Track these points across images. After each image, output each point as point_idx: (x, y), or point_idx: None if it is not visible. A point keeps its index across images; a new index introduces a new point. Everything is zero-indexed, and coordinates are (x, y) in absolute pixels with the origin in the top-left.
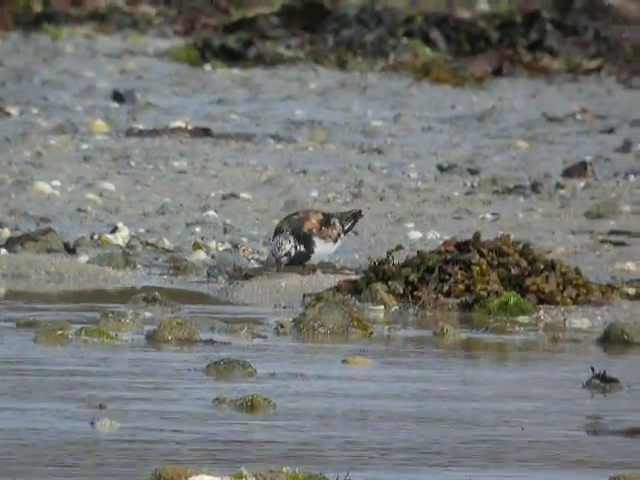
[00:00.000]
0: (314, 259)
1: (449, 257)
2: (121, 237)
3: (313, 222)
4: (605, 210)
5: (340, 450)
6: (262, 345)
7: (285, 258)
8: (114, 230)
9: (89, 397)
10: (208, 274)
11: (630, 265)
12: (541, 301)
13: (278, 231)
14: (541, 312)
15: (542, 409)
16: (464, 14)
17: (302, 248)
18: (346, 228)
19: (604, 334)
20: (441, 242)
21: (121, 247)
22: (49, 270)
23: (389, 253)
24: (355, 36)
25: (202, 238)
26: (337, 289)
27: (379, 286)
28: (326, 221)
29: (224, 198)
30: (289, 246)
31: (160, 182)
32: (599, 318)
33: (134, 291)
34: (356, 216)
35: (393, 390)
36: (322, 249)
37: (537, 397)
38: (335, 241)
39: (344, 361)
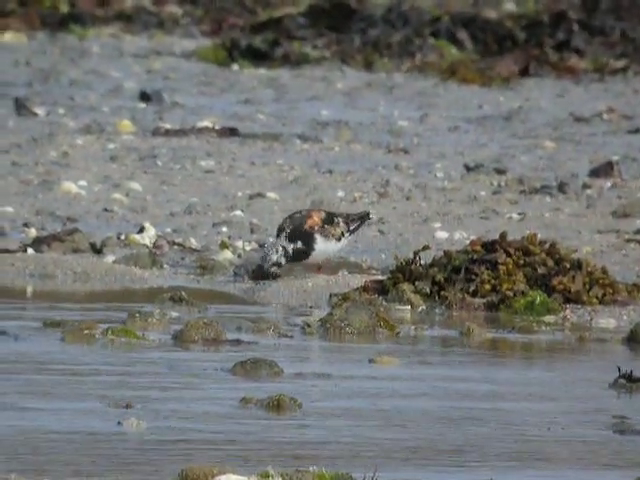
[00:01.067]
0: (315, 257)
1: (476, 257)
2: (148, 237)
3: (315, 220)
4: (631, 210)
5: (367, 450)
6: (289, 345)
7: (274, 269)
8: (141, 230)
9: (116, 397)
10: (235, 274)
11: None
12: (567, 300)
13: (278, 231)
14: (567, 312)
15: (568, 409)
16: (491, 14)
17: (301, 245)
18: (352, 228)
19: (630, 334)
20: (468, 242)
21: (148, 247)
22: (76, 270)
23: (416, 253)
24: (381, 36)
25: (229, 238)
26: (364, 289)
27: (406, 286)
28: (329, 219)
29: (251, 198)
30: (276, 257)
31: (187, 182)
32: (625, 318)
33: (161, 291)
34: (364, 217)
35: (420, 390)
36: (323, 247)
37: (563, 397)
38: (338, 240)
39: (371, 361)
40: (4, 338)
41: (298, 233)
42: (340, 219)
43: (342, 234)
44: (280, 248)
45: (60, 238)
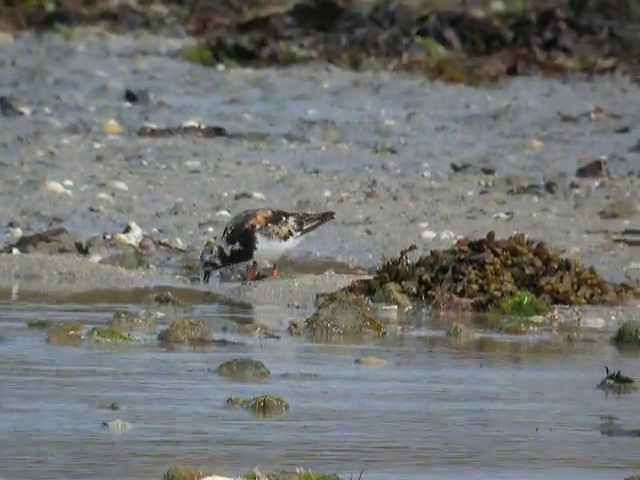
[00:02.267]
0: (258, 256)
1: (463, 257)
2: (134, 237)
3: (258, 219)
4: (620, 209)
5: (354, 450)
6: (275, 345)
7: (208, 268)
8: (127, 230)
9: (101, 398)
10: (221, 274)
11: None
12: (555, 301)
13: (223, 231)
14: (555, 312)
15: (556, 409)
16: (478, 13)
17: (239, 246)
18: (306, 227)
19: (618, 334)
20: (455, 242)
21: (134, 247)
22: (61, 270)
23: (403, 253)
24: (368, 35)
25: (215, 238)
26: (350, 289)
27: (392, 286)
28: (275, 218)
29: (237, 198)
30: (209, 257)
31: (173, 182)
32: (613, 318)
33: (147, 291)
34: (324, 217)
35: (406, 390)
36: (266, 247)
37: (551, 397)
38: (285, 239)
39: (357, 361)
40: None
41: (237, 233)
42: (291, 218)
43: (290, 233)
44: (216, 248)
45: (46, 238)
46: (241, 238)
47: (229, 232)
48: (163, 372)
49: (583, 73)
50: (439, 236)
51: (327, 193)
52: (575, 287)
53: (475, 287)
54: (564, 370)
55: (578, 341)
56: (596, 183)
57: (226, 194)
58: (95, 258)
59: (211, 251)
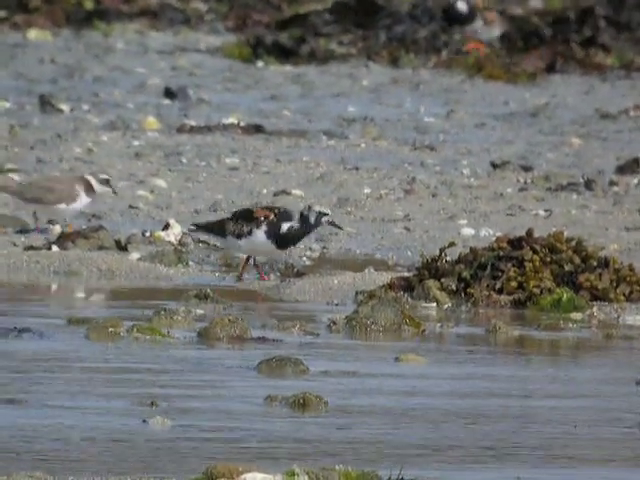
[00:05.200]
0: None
1: (502, 254)
2: (173, 234)
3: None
4: None
5: (393, 448)
6: (314, 343)
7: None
8: (166, 227)
9: (141, 395)
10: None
11: None
12: (594, 298)
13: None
14: (594, 309)
15: (595, 407)
16: (517, 10)
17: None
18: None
19: None
20: (494, 239)
21: (173, 244)
22: (100, 267)
23: (442, 250)
24: (407, 32)
25: None
26: (390, 286)
27: (432, 283)
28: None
29: (276, 195)
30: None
31: (212, 179)
32: None
33: (186, 288)
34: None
35: (445, 388)
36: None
37: (590, 395)
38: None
39: (397, 359)
40: (29, 335)
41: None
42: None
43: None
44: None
45: (85, 235)
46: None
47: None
48: (202, 369)
49: (622, 70)
50: (478, 233)
51: (366, 190)
52: (614, 284)
53: (514, 284)
54: (603, 367)
55: (617, 338)
56: (635, 180)
57: (265, 191)
58: (134, 255)
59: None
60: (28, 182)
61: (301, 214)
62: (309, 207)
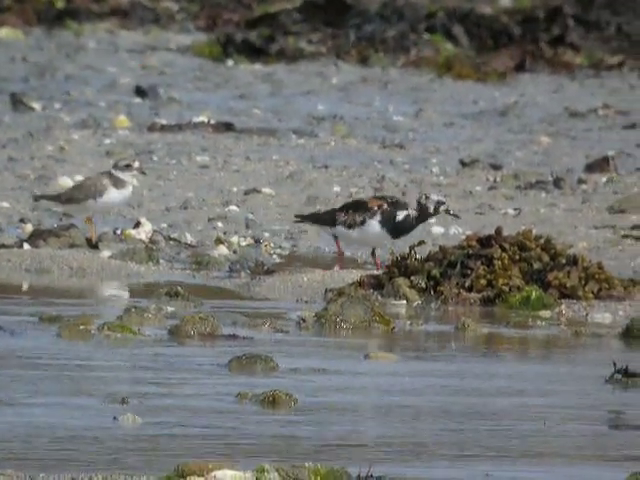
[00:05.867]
0: None
1: (471, 252)
2: (144, 232)
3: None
4: (627, 205)
5: (362, 445)
6: (284, 340)
7: None
8: (137, 225)
9: (112, 392)
10: (230, 269)
11: None
12: (563, 296)
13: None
14: (563, 307)
15: (564, 404)
16: (486, 9)
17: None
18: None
19: (626, 329)
20: (463, 237)
21: (144, 242)
22: (72, 265)
23: (411, 248)
24: (376, 31)
25: (224, 233)
26: (359, 284)
27: (401, 281)
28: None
29: (246, 193)
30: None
31: (182, 177)
32: (621, 313)
33: (157, 286)
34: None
35: (415, 385)
36: None
37: (559, 392)
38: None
39: (366, 356)
40: (0, 333)
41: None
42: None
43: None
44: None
45: (56, 233)
46: None
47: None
48: (173, 367)
49: (591, 69)
50: (448, 231)
51: (336, 188)
52: (583, 282)
53: (483, 282)
54: (572, 365)
55: (586, 336)
56: (603, 179)
57: (235, 189)
58: (105, 253)
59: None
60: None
61: (419, 203)
62: (426, 196)
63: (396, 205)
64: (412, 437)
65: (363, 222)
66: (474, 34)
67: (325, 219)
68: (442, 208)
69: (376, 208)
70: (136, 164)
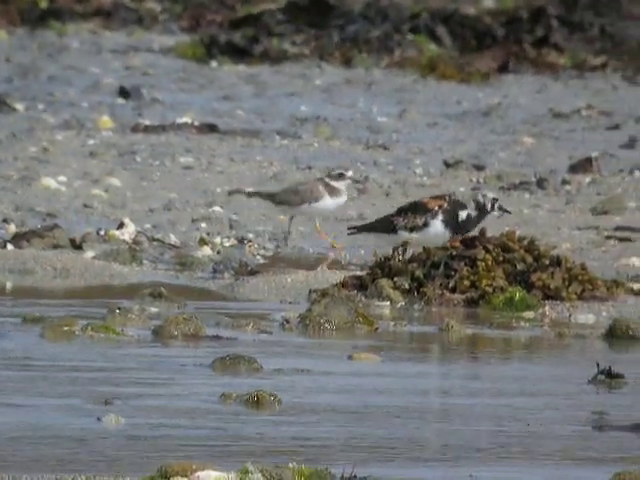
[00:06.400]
0: None
1: (455, 253)
2: (127, 233)
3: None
4: (610, 206)
5: (346, 446)
6: (268, 341)
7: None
8: (120, 226)
9: (95, 393)
10: (214, 270)
11: (635, 261)
12: (546, 297)
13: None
14: (546, 308)
15: (547, 405)
16: (470, 10)
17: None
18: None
19: (609, 329)
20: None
21: (127, 243)
22: (55, 266)
23: (395, 249)
24: (360, 32)
25: (208, 234)
26: (343, 285)
27: (385, 282)
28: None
29: (230, 194)
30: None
31: (166, 178)
32: (604, 313)
33: (140, 287)
34: None
35: (399, 386)
36: None
37: (542, 393)
38: None
39: (350, 357)
40: None
41: None
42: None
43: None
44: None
45: (40, 234)
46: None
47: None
48: (156, 367)
49: (574, 70)
50: None
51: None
52: (566, 283)
53: (467, 283)
54: (555, 366)
55: (569, 337)
56: (587, 179)
57: (219, 190)
58: (89, 254)
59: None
60: (281, 188)
61: (477, 201)
62: (483, 194)
63: (455, 204)
64: (396, 438)
65: (426, 224)
66: (458, 35)
67: (383, 227)
68: (496, 205)
69: (437, 208)
70: (349, 173)
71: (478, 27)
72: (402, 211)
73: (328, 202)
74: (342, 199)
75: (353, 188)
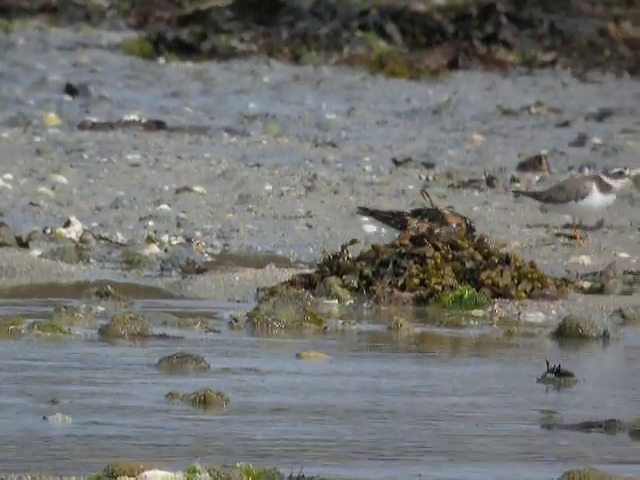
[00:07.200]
0: None
1: (404, 251)
2: (74, 231)
3: None
4: None
5: (294, 445)
6: (215, 339)
7: None
8: (67, 224)
9: (42, 392)
10: (161, 268)
11: (584, 259)
12: (496, 295)
13: None
14: (496, 306)
15: (496, 403)
16: (419, 7)
17: None
18: None
19: (559, 328)
20: (396, 236)
21: (74, 241)
22: (1, 264)
23: (343, 247)
24: (309, 29)
25: (155, 232)
26: (291, 283)
27: (333, 280)
28: None
29: (178, 192)
30: None
31: (113, 176)
32: (554, 312)
33: (87, 285)
34: None
35: (347, 385)
36: None
37: (491, 391)
38: None
39: (298, 355)
40: None
41: None
42: None
43: None
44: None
45: None
46: None
47: None
48: (103, 366)
49: (524, 67)
50: (380, 230)
51: (268, 187)
52: (515, 281)
53: (416, 281)
54: (504, 364)
55: (518, 335)
56: (536, 177)
57: (167, 188)
58: (35, 252)
59: None
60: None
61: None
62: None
63: (469, 227)
64: (344, 437)
65: None
66: (407, 32)
67: (394, 222)
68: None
69: (455, 225)
70: (628, 171)
71: (428, 24)
72: (419, 214)
73: (595, 199)
74: (612, 197)
75: (303, 187)
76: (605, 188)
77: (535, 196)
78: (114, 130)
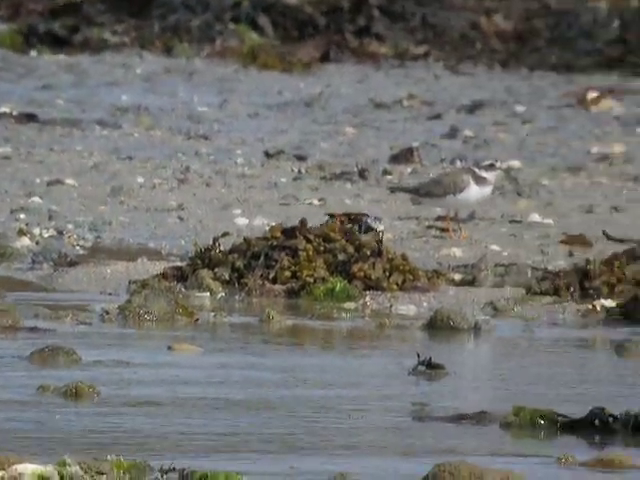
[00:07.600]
0: None
1: (275, 243)
2: None
3: None
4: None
5: (165, 438)
6: (87, 332)
7: None
8: None
9: None
10: (33, 261)
11: (456, 251)
12: (367, 287)
13: None
14: (367, 298)
15: (368, 396)
16: (291, 0)
17: None
18: None
19: (430, 320)
20: (268, 228)
21: None
22: None
23: (215, 239)
24: (181, 21)
25: (27, 224)
26: (163, 276)
27: (205, 273)
28: None
29: (49, 184)
30: None
31: None
32: (425, 304)
33: None
34: None
35: (219, 377)
36: None
37: (363, 384)
38: None
39: (170, 348)
40: None
41: None
42: None
43: None
44: None
45: None
46: None
47: None
48: None
49: (396, 60)
50: (252, 222)
51: (140, 179)
52: (387, 273)
53: (288, 274)
54: (376, 357)
55: (390, 327)
56: (408, 169)
57: (38, 180)
58: None
59: None
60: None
61: None
62: None
63: None
64: (218, 429)
65: None
66: (279, 24)
67: None
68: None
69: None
70: (499, 164)
71: (299, 17)
72: None
73: (473, 192)
74: (488, 189)
75: (175, 179)
76: (481, 181)
77: (414, 191)
78: None
